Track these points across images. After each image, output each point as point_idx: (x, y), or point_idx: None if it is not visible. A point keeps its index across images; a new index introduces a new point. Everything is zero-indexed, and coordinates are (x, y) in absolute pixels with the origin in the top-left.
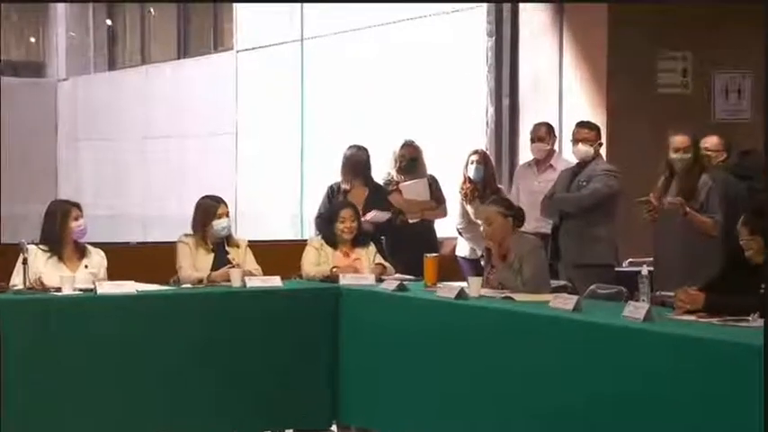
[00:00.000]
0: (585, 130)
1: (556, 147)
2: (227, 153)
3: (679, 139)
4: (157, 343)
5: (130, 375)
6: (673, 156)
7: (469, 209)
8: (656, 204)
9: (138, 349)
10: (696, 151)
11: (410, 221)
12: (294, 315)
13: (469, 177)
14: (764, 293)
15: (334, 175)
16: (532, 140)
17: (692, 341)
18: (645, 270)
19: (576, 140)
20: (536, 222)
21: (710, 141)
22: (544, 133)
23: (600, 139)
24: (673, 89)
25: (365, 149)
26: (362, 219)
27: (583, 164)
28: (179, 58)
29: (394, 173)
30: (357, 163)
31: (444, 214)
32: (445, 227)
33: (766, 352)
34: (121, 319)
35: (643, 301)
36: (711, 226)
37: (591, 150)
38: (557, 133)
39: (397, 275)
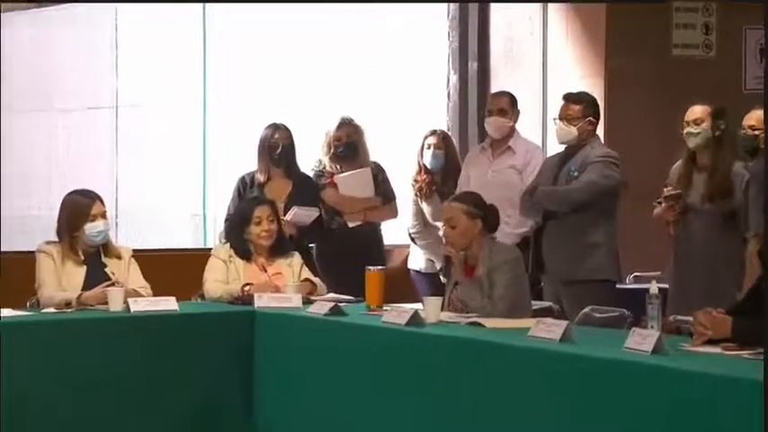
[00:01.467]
0: (576, 106)
1: (544, 128)
2: (104, 132)
3: (692, 110)
4: (15, 382)
5: None
6: (686, 130)
7: (426, 208)
8: (684, 201)
9: None
10: (718, 125)
11: (348, 225)
12: (195, 348)
13: (425, 166)
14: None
15: (248, 164)
16: (489, 113)
17: (715, 381)
18: (654, 287)
19: (563, 118)
20: (504, 224)
21: (757, 117)
22: (506, 105)
23: (592, 116)
24: (691, 51)
25: (287, 130)
26: (283, 219)
27: (574, 149)
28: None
29: (327, 161)
30: (276, 147)
31: (393, 215)
32: (394, 231)
33: (766, 388)
34: None
35: (652, 327)
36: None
37: (573, 131)
38: (540, 108)
39: (331, 295)
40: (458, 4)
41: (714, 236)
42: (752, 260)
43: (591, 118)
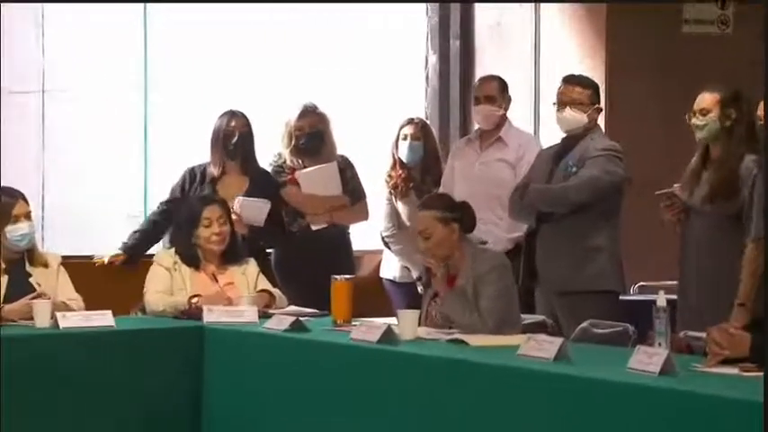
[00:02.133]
0: (577, 89)
1: (541, 115)
2: (28, 120)
3: (701, 98)
4: None
5: None
6: (692, 120)
7: (401, 208)
8: (681, 199)
9: None
10: (728, 114)
11: (312, 227)
12: (133, 370)
13: (401, 160)
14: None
15: (197, 156)
16: (477, 101)
17: (731, 406)
18: (662, 299)
19: (562, 104)
20: (494, 226)
21: None
22: (495, 91)
23: (598, 102)
24: (705, 27)
25: (245, 117)
26: (233, 216)
27: (571, 140)
28: None
29: (287, 154)
30: (231, 135)
31: (364, 216)
32: (365, 235)
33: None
34: None
35: (660, 345)
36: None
37: (584, 118)
38: (531, 93)
39: (292, 308)
40: None
41: (717, 240)
42: (748, 269)
43: (598, 105)
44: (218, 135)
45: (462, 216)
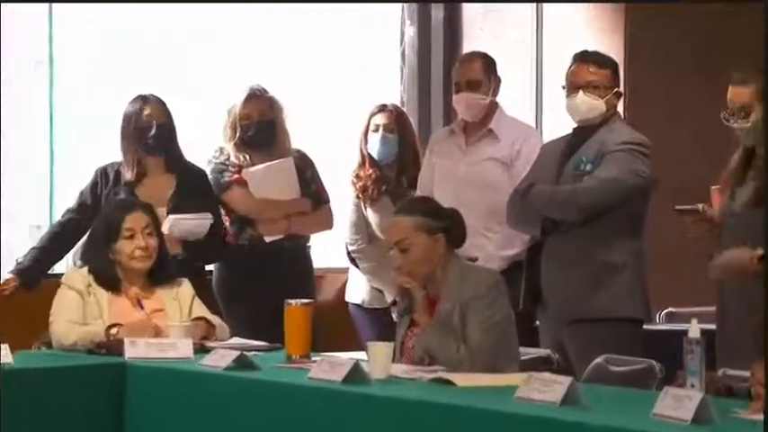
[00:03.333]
0: (592, 67)
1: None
2: None
3: (735, 93)
4: None
5: None
6: (732, 123)
7: (372, 215)
8: (710, 214)
9: None
10: None
11: (264, 238)
12: (37, 415)
13: (371, 157)
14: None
15: (110, 152)
16: (457, 88)
17: None
18: (696, 329)
19: (573, 87)
20: (484, 239)
21: None
22: (479, 73)
23: (618, 85)
24: None
25: (161, 103)
26: (164, 231)
27: (585, 132)
28: None
29: (231, 148)
30: (147, 128)
31: (326, 224)
32: (327, 249)
33: None
34: None
35: (692, 386)
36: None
37: (601, 105)
38: (533, 71)
39: (236, 340)
40: None
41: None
42: None
43: (618, 89)
44: (129, 126)
45: (451, 226)
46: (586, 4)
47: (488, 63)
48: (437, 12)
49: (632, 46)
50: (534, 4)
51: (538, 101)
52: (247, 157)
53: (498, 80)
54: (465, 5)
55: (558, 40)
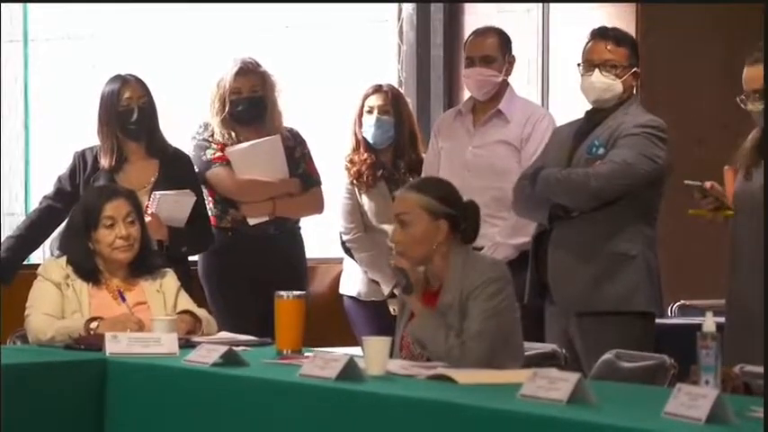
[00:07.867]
0: (610, 45)
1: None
2: None
3: (752, 73)
4: None
5: None
6: (748, 106)
7: (367, 203)
8: (716, 192)
9: None
10: None
11: (249, 221)
12: (13, 415)
13: (366, 140)
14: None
15: (88, 136)
16: (469, 62)
17: None
18: (711, 323)
19: (589, 65)
20: (492, 228)
21: None
22: (494, 49)
23: (636, 65)
24: None
25: (141, 84)
26: (146, 215)
27: (599, 114)
28: None
29: (217, 124)
30: (129, 112)
31: (317, 207)
32: (321, 238)
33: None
34: None
35: (707, 383)
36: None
37: (617, 85)
38: (539, 48)
39: (223, 334)
40: None
41: None
42: None
43: (636, 68)
44: (108, 110)
45: (459, 216)
46: None
47: (504, 40)
48: None
49: (649, 15)
50: (540, 7)
51: (544, 81)
52: (233, 134)
53: (513, 59)
54: None
55: (567, 12)
